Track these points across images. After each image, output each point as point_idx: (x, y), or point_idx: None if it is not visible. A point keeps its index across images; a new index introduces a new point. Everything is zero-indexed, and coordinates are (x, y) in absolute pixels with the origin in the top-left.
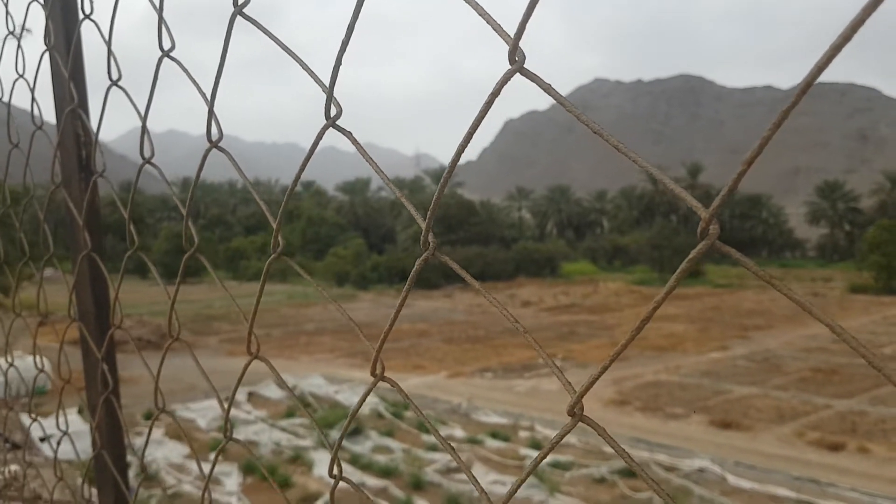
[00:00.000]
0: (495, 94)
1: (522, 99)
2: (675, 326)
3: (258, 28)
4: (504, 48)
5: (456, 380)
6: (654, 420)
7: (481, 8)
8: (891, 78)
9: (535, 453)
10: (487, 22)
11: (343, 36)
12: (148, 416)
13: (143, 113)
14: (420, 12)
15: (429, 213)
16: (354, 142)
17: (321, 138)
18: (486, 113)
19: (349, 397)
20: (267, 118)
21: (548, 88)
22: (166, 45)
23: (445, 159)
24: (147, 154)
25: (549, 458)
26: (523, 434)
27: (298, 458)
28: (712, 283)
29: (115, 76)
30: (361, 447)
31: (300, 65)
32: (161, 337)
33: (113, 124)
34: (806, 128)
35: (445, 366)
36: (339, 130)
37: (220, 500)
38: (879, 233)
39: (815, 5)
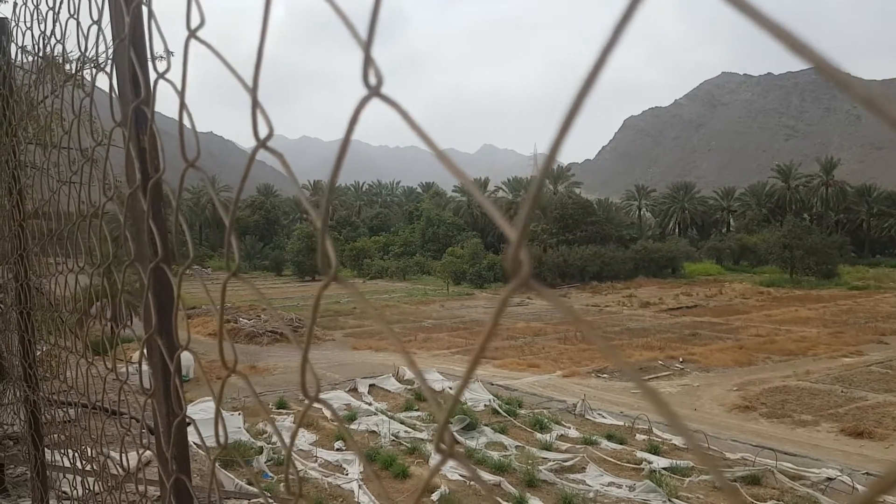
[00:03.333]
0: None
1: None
2: (806, 330)
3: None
4: (630, 39)
5: (571, 379)
6: (780, 427)
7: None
8: None
9: (652, 457)
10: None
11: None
12: (281, 405)
13: (179, 109)
14: (535, 11)
15: (519, 229)
16: (404, 113)
17: (362, 108)
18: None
19: (464, 393)
20: (390, 123)
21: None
22: (194, 23)
23: (564, 159)
24: (191, 156)
25: (667, 463)
26: (640, 437)
27: (416, 450)
28: (847, 284)
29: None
30: (475, 442)
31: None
32: (293, 330)
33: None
34: None
35: (560, 365)
36: (384, 100)
37: (343, 487)
38: None
39: None
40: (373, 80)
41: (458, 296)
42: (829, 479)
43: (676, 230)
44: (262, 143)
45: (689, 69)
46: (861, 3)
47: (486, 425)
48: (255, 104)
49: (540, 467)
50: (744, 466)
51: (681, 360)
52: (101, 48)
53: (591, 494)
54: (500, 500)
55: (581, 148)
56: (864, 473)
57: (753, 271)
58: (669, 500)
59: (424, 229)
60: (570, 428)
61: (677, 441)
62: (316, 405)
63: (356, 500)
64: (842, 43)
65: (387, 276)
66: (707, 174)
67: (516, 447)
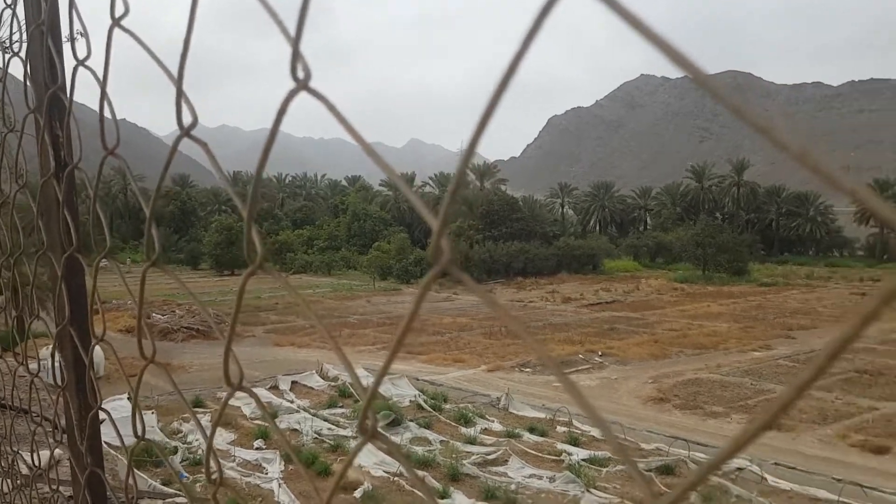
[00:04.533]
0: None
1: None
2: (717, 325)
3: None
4: (555, 40)
5: (495, 373)
6: (692, 418)
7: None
8: None
9: (572, 449)
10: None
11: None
12: (197, 404)
13: (100, 95)
14: (464, 6)
15: (440, 217)
16: (332, 107)
17: (290, 101)
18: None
19: (389, 389)
20: (315, 114)
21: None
22: (119, 12)
23: (489, 155)
24: (111, 144)
25: (586, 455)
26: (561, 429)
27: (339, 447)
28: (756, 281)
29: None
30: (401, 438)
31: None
32: (209, 326)
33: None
34: (861, 125)
35: (485, 359)
36: (313, 94)
37: (262, 487)
38: None
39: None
40: (301, 74)
41: (385, 291)
42: (739, 468)
43: (597, 228)
44: (186, 132)
45: (609, 70)
46: (774, 9)
47: (412, 420)
48: (180, 93)
49: (464, 461)
50: (658, 457)
51: (600, 353)
52: (16, 34)
53: (513, 487)
54: (423, 494)
55: (507, 146)
56: (772, 463)
57: (669, 268)
58: (587, 491)
59: (350, 223)
60: (493, 422)
61: (596, 433)
62: (236, 402)
63: (276, 499)
64: (753, 47)
65: (311, 271)
66: (627, 174)
67: (441, 442)
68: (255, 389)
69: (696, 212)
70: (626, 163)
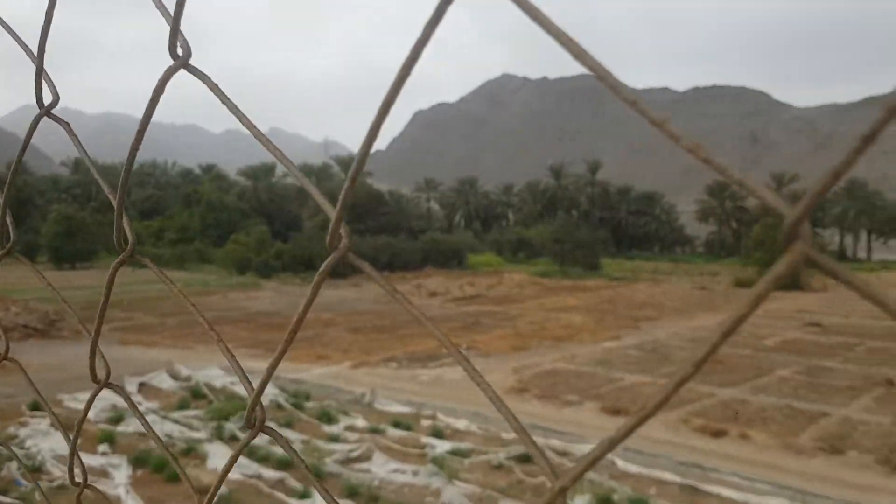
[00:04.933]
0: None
1: (431, 90)
2: (572, 317)
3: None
4: (413, 39)
5: (360, 369)
6: (550, 407)
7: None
8: (780, 83)
9: (436, 442)
10: None
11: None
12: (34, 407)
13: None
14: None
15: (339, 204)
16: (214, 87)
17: (168, 80)
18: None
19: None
20: (166, 99)
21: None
22: None
23: (355, 147)
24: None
25: (449, 446)
26: (425, 423)
27: (192, 451)
28: (608, 276)
29: None
30: (259, 439)
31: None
32: (49, 324)
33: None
34: (702, 129)
35: (350, 356)
36: (193, 72)
37: (109, 493)
38: (764, 231)
39: (712, 9)
40: (180, 51)
41: (243, 286)
42: None
43: (462, 223)
44: (46, 111)
45: (473, 68)
46: (626, 13)
47: (271, 420)
48: (41, 71)
49: (326, 460)
50: (518, 445)
51: (465, 347)
52: None
53: (376, 483)
54: (285, 496)
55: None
56: (622, 448)
57: (530, 263)
58: (451, 482)
59: (205, 214)
60: (357, 418)
61: (460, 425)
62: (75, 404)
63: None
64: (607, 51)
65: (161, 265)
66: (490, 170)
67: (302, 441)
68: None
69: (554, 209)
70: (490, 159)
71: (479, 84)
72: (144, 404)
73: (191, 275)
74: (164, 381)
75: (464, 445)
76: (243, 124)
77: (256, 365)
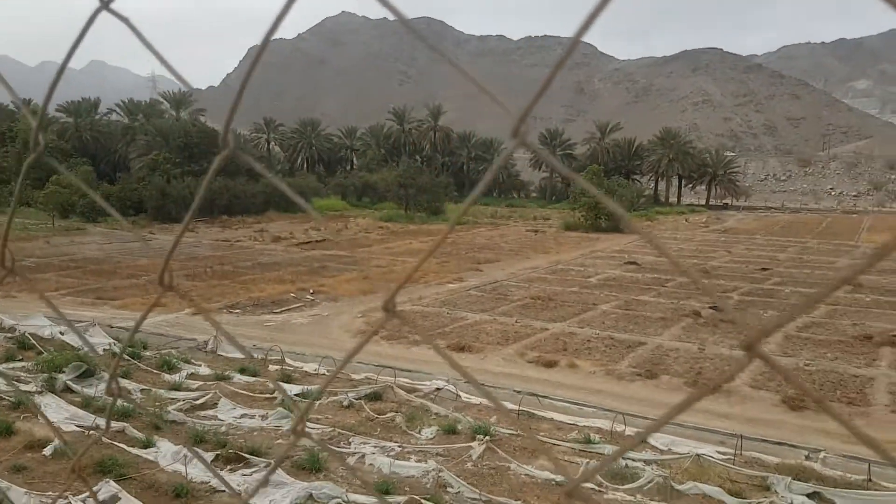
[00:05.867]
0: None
1: (267, 25)
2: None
3: None
4: None
5: (201, 316)
6: (398, 347)
7: None
8: (605, 36)
9: (285, 386)
10: None
11: None
12: None
13: None
14: None
15: (230, 109)
16: (135, 30)
17: (93, 21)
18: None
19: (78, 339)
20: None
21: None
22: None
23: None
24: None
25: (298, 389)
26: (273, 368)
27: (21, 404)
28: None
29: None
30: (94, 389)
31: None
32: None
33: None
34: (534, 79)
35: (189, 302)
36: (115, 15)
37: None
38: (589, 177)
39: None
40: None
41: (67, 231)
42: (438, 388)
43: (305, 166)
44: None
45: (311, 3)
46: None
47: (105, 370)
48: None
49: (168, 408)
50: (368, 385)
51: (311, 291)
52: None
53: (223, 429)
54: (126, 447)
55: (204, 74)
56: (465, 382)
57: (374, 207)
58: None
59: (21, 154)
60: (200, 366)
61: (308, 368)
62: None
63: None
64: None
65: None
66: (332, 112)
67: (142, 391)
68: None
69: (398, 153)
70: (331, 101)
71: (318, 21)
72: None
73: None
74: None
75: (313, 388)
76: (163, 65)
77: (88, 313)
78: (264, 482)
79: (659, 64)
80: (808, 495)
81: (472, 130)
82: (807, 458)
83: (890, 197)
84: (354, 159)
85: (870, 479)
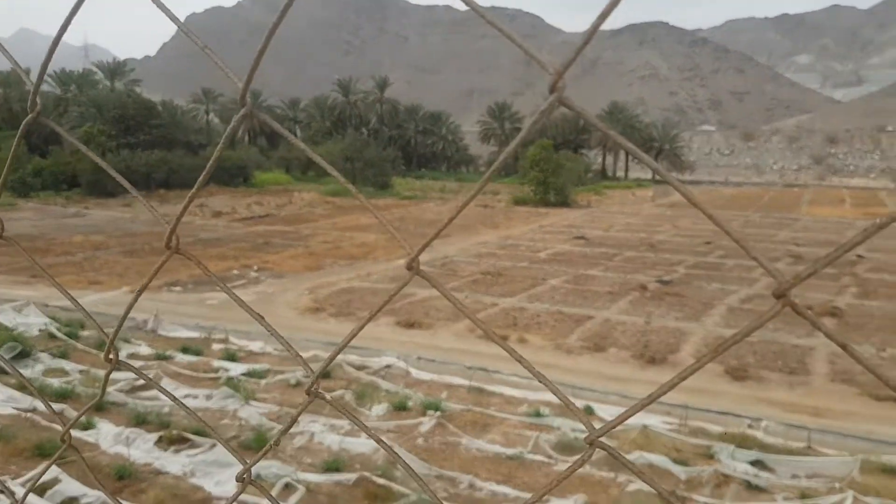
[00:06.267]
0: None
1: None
2: (366, 236)
3: None
4: None
5: (142, 294)
6: (346, 324)
7: None
8: (551, 8)
9: (229, 365)
10: None
11: None
12: None
13: None
14: None
15: (250, 70)
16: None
17: None
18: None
19: (14, 318)
20: None
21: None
22: None
23: (120, 53)
24: None
25: (244, 368)
26: (217, 347)
27: None
28: (399, 195)
29: None
30: (31, 371)
31: None
32: None
33: None
34: (482, 51)
35: (127, 280)
36: None
37: None
38: (538, 151)
39: None
40: None
41: None
42: (388, 365)
43: (246, 138)
44: None
45: None
46: None
47: (43, 351)
48: None
49: (109, 389)
50: (315, 363)
51: (255, 268)
52: None
53: (167, 409)
54: (61, 428)
55: (140, 43)
56: (416, 358)
57: (320, 181)
58: (247, 403)
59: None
60: (141, 345)
61: (254, 347)
62: None
63: None
64: None
65: None
66: (273, 82)
67: (80, 372)
68: None
69: (344, 126)
70: (273, 71)
71: None
72: None
73: None
74: None
75: (259, 367)
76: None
77: (22, 293)
78: (277, 441)
79: (606, 37)
80: (751, 462)
81: (419, 103)
82: (749, 426)
83: (830, 170)
84: (298, 131)
85: (809, 446)
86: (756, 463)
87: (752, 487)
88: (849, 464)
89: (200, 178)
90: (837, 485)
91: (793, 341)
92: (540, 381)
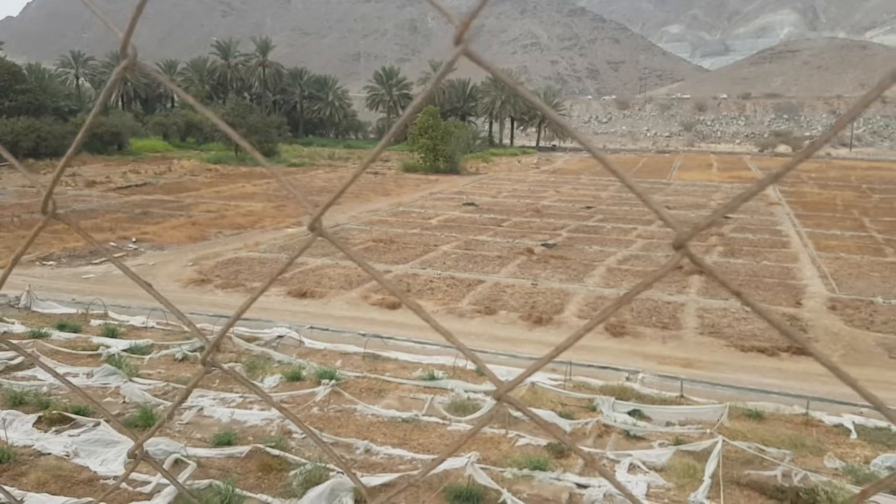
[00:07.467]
0: None
1: None
2: (252, 205)
3: None
4: None
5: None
6: (234, 295)
7: None
8: None
9: (110, 341)
10: None
11: None
12: None
13: None
14: None
15: (131, 21)
16: None
17: None
18: None
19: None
20: None
21: None
22: None
23: None
24: None
25: (126, 344)
26: (96, 323)
27: None
28: (286, 162)
29: None
30: None
31: None
32: None
33: None
34: (367, 15)
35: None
36: None
37: None
38: (426, 118)
39: None
40: None
41: None
42: (280, 336)
43: (120, 103)
44: None
45: None
46: None
47: None
48: None
49: None
50: (204, 335)
51: (134, 239)
52: None
53: (45, 388)
54: None
55: (2, 3)
56: (308, 328)
57: (200, 148)
58: (130, 380)
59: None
60: (14, 323)
61: (135, 322)
62: None
63: None
64: None
65: None
66: (146, 45)
67: None
68: None
69: (225, 90)
70: (145, 32)
71: None
72: None
73: None
74: None
75: (142, 342)
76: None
77: None
78: (170, 415)
79: (489, 4)
80: (630, 413)
81: (304, 67)
82: (627, 379)
83: (699, 137)
84: (176, 96)
85: (682, 396)
86: (634, 413)
87: (630, 437)
88: (718, 410)
89: (77, 138)
90: (708, 430)
91: (665, 298)
92: (448, 341)
